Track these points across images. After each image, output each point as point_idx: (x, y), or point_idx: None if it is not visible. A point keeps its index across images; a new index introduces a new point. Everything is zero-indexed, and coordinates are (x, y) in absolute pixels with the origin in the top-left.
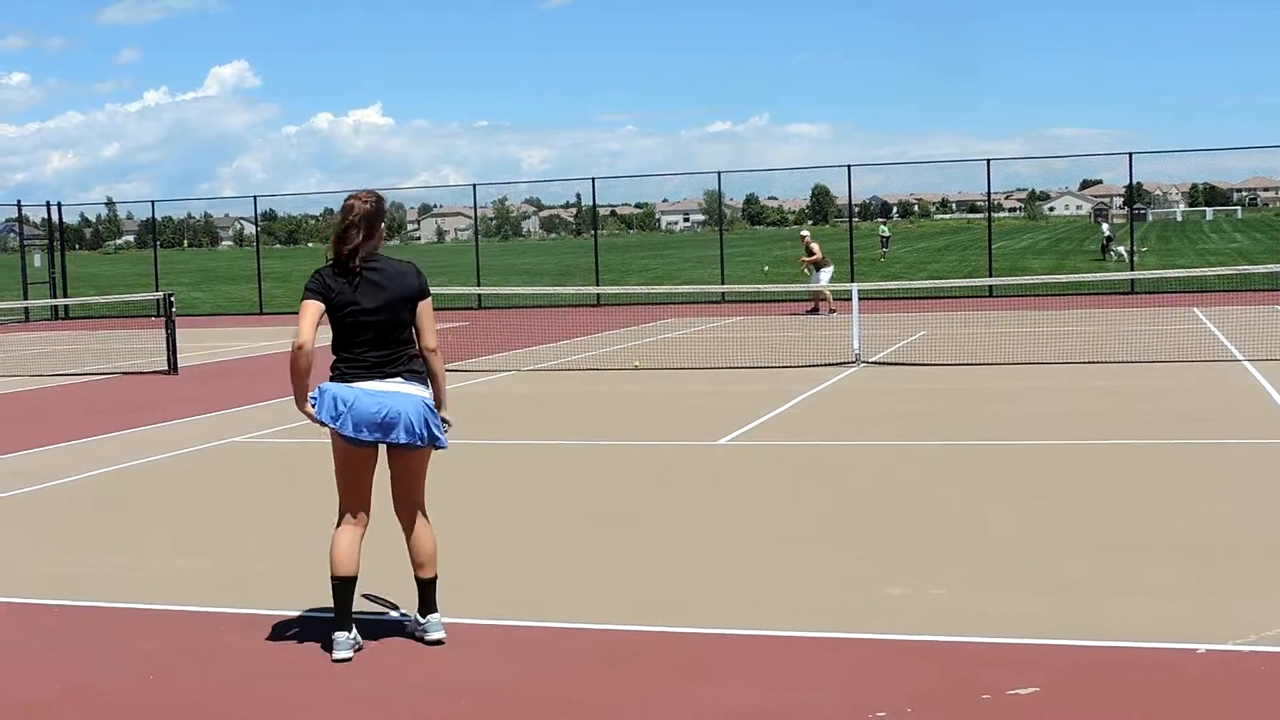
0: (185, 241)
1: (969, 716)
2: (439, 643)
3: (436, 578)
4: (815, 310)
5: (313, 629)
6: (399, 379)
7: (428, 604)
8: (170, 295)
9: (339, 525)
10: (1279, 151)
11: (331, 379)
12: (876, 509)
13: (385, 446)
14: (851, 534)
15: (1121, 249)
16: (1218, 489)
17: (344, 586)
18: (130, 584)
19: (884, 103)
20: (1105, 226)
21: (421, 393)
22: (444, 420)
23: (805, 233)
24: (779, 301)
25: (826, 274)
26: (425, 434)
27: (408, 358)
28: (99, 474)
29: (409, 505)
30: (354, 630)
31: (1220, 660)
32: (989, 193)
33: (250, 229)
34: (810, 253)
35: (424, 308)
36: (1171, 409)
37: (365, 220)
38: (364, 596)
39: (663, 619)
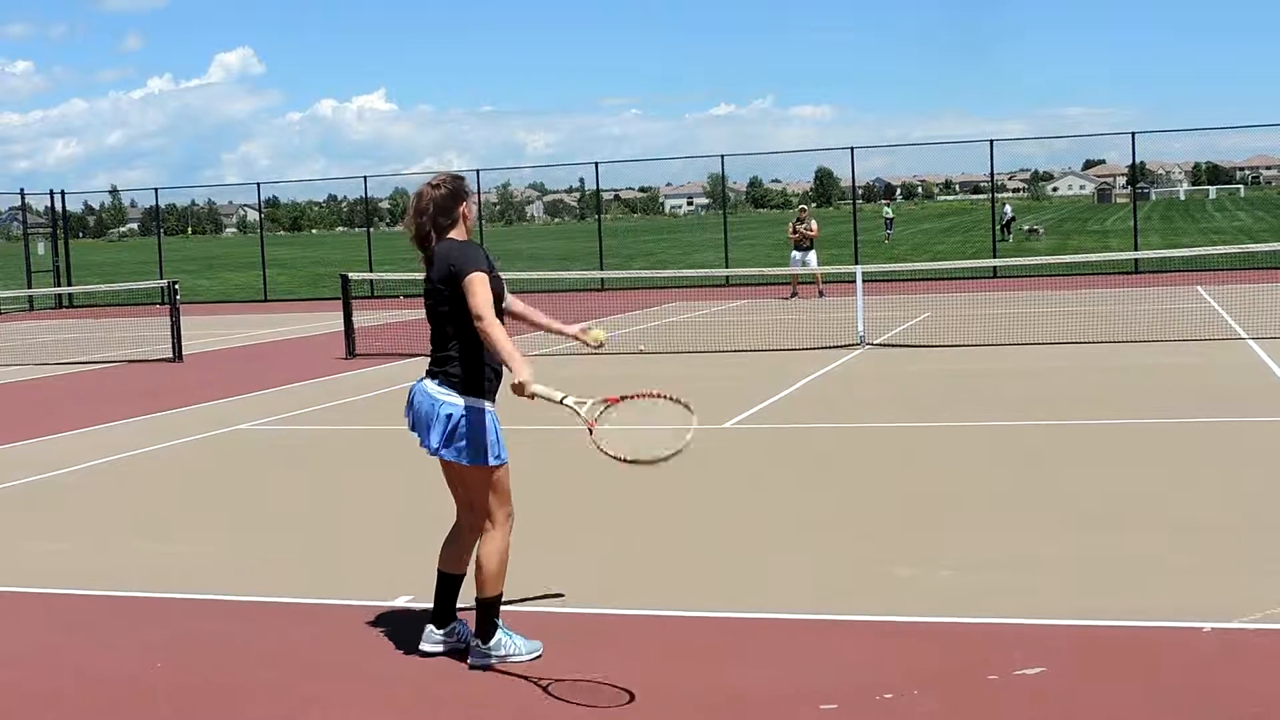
0: (189, 229)
1: (976, 697)
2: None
3: (486, 602)
4: (795, 294)
5: (321, 616)
6: (432, 380)
7: (477, 624)
8: (174, 283)
9: None
10: None
11: None
12: (882, 490)
13: None
14: (857, 515)
15: (1025, 228)
16: (1223, 467)
17: (439, 580)
18: (137, 571)
19: (888, 84)
20: (1008, 209)
21: (445, 398)
22: (517, 386)
23: (804, 206)
24: (785, 284)
25: (813, 256)
26: (438, 447)
27: (443, 359)
28: (104, 462)
29: (470, 514)
30: (448, 627)
31: (1226, 638)
32: (992, 173)
33: (254, 216)
34: (810, 229)
35: (464, 285)
36: (1175, 387)
37: (432, 207)
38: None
39: (668, 602)
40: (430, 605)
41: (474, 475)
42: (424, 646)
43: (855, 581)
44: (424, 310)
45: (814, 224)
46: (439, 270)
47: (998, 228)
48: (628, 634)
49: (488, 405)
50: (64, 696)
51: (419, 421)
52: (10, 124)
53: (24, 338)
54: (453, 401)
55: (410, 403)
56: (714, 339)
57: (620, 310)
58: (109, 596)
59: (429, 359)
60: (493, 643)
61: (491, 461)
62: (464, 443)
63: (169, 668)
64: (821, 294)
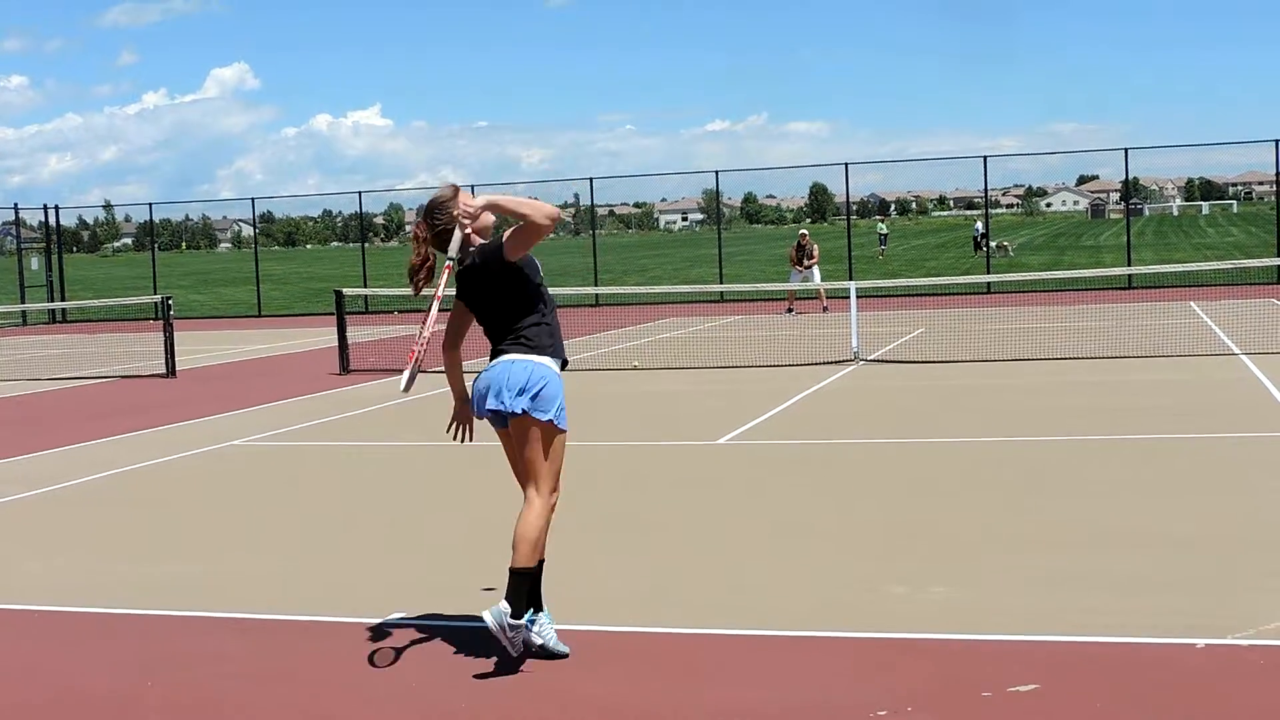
0: (183, 244)
1: (970, 714)
2: (559, 654)
3: (519, 572)
4: (791, 309)
5: (311, 633)
6: (506, 353)
7: (509, 594)
8: (168, 298)
9: None
10: (1274, 146)
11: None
12: (876, 507)
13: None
14: (852, 532)
15: (993, 243)
16: (1215, 483)
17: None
18: (128, 588)
19: (882, 100)
20: (979, 224)
21: (523, 357)
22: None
23: (805, 231)
24: (779, 300)
25: (816, 271)
26: (513, 400)
27: (515, 332)
28: (97, 478)
29: (522, 479)
30: (531, 615)
31: (1220, 655)
32: (986, 189)
33: (248, 231)
34: (811, 255)
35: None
36: (1168, 403)
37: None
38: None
39: (662, 619)
40: (423, 620)
41: (542, 432)
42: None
43: (849, 598)
44: (455, 315)
45: (815, 250)
46: (494, 263)
47: (973, 243)
48: (619, 651)
49: (556, 368)
50: (53, 715)
51: (491, 388)
52: (4, 139)
53: (17, 353)
54: (529, 359)
55: (481, 391)
56: (708, 355)
57: (615, 326)
58: (101, 613)
59: (495, 349)
60: (525, 619)
61: (559, 422)
62: (537, 396)
63: (160, 685)
64: (826, 309)
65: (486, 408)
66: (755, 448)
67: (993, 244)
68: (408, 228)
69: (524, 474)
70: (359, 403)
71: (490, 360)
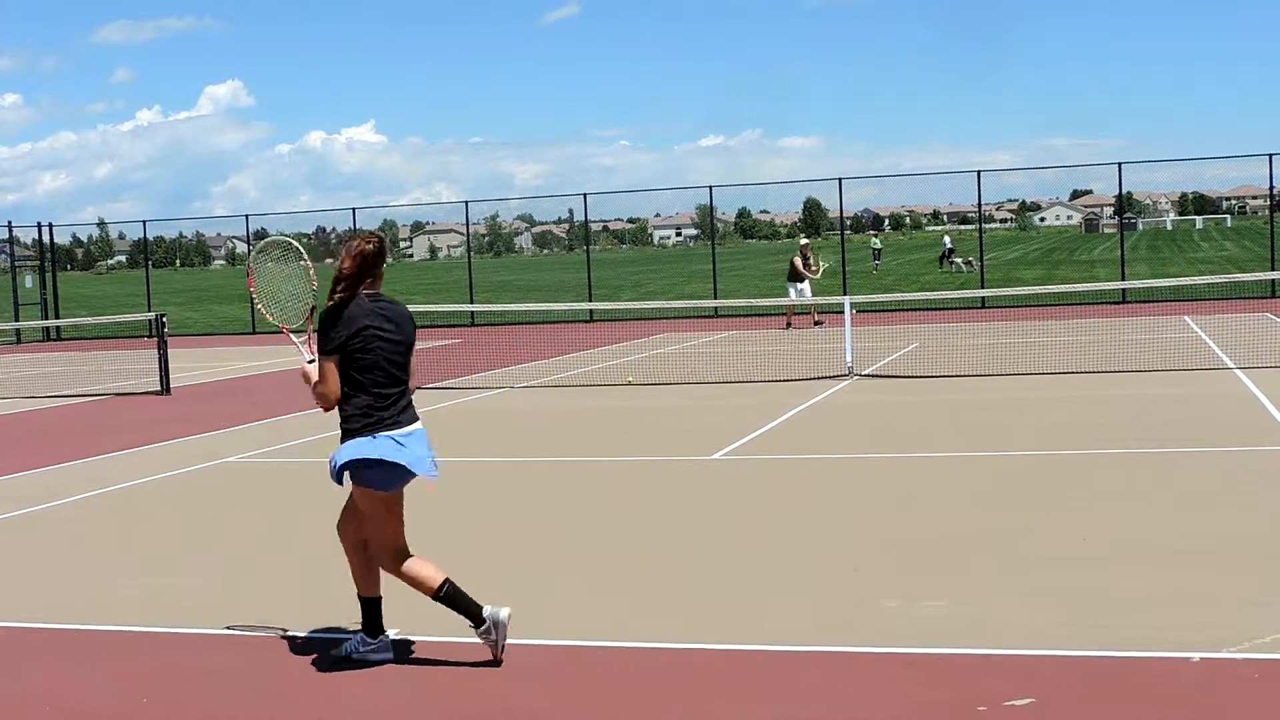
0: (177, 261)
1: None
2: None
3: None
4: (790, 325)
5: (305, 649)
6: (417, 421)
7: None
8: (162, 315)
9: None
10: (1267, 160)
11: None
12: (871, 522)
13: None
14: (847, 547)
15: (959, 260)
16: (1210, 497)
17: (376, 604)
18: (123, 605)
19: (876, 115)
20: (947, 240)
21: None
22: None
23: (806, 240)
24: (775, 315)
25: (808, 287)
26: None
27: (407, 399)
28: (91, 496)
29: (399, 535)
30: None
31: (1215, 668)
32: (980, 204)
33: (242, 248)
34: (809, 265)
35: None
36: (1163, 418)
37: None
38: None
39: (657, 634)
40: (409, 637)
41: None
42: (380, 655)
43: (844, 613)
44: (385, 357)
45: (814, 261)
46: (407, 330)
47: (940, 258)
48: (611, 667)
49: None
50: None
51: (427, 454)
52: None
53: (12, 370)
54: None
55: (421, 455)
56: (703, 370)
57: (609, 342)
58: (95, 630)
59: (400, 405)
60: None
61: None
62: None
63: (155, 702)
64: (818, 323)
65: (432, 472)
66: (750, 463)
67: (958, 260)
68: (402, 244)
69: (400, 530)
70: None
71: (401, 421)
